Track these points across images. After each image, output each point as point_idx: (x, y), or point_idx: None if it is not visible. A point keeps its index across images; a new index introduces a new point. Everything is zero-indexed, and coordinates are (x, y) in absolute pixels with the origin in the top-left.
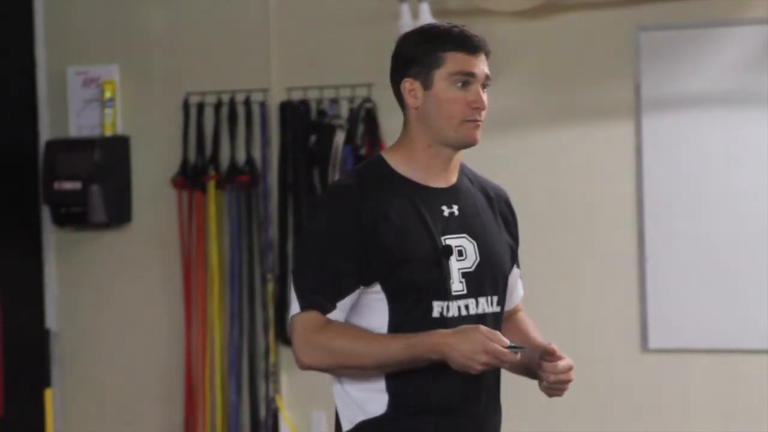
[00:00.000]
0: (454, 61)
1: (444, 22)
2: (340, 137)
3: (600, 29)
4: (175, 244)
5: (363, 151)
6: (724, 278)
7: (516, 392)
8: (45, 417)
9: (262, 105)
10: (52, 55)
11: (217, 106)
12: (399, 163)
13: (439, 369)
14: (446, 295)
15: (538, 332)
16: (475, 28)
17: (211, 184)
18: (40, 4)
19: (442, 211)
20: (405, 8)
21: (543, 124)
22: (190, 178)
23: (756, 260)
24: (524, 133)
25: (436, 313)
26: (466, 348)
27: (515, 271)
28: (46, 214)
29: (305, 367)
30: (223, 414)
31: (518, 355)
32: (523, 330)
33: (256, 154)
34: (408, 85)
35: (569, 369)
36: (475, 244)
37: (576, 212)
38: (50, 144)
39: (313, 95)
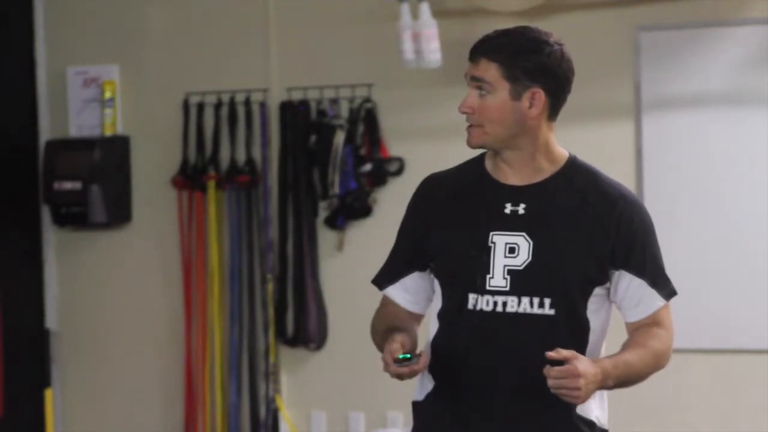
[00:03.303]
0: None
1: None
2: (340, 137)
3: (600, 29)
4: (175, 244)
5: (363, 151)
6: (724, 278)
7: None
8: (45, 417)
9: (262, 105)
10: (52, 55)
11: (217, 106)
12: (489, 158)
13: (452, 361)
14: (480, 288)
15: (639, 351)
16: (475, 28)
17: (211, 184)
18: (40, 4)
19: (505, 207)
20: (405, 8)
21: None
22: (190, 178)
23: (756, 260)
24: None
25: (470, 305)
26: None
27: (629, 278)
28: (46, 213)
29: None
30: (223, 414)
31: (404, 369)
32: (628, 345)
33: (256, 154)
34: None
35: (567, 374)
36: (531, 243)
37: None
38: (50, 144)
39: (313, 95)
